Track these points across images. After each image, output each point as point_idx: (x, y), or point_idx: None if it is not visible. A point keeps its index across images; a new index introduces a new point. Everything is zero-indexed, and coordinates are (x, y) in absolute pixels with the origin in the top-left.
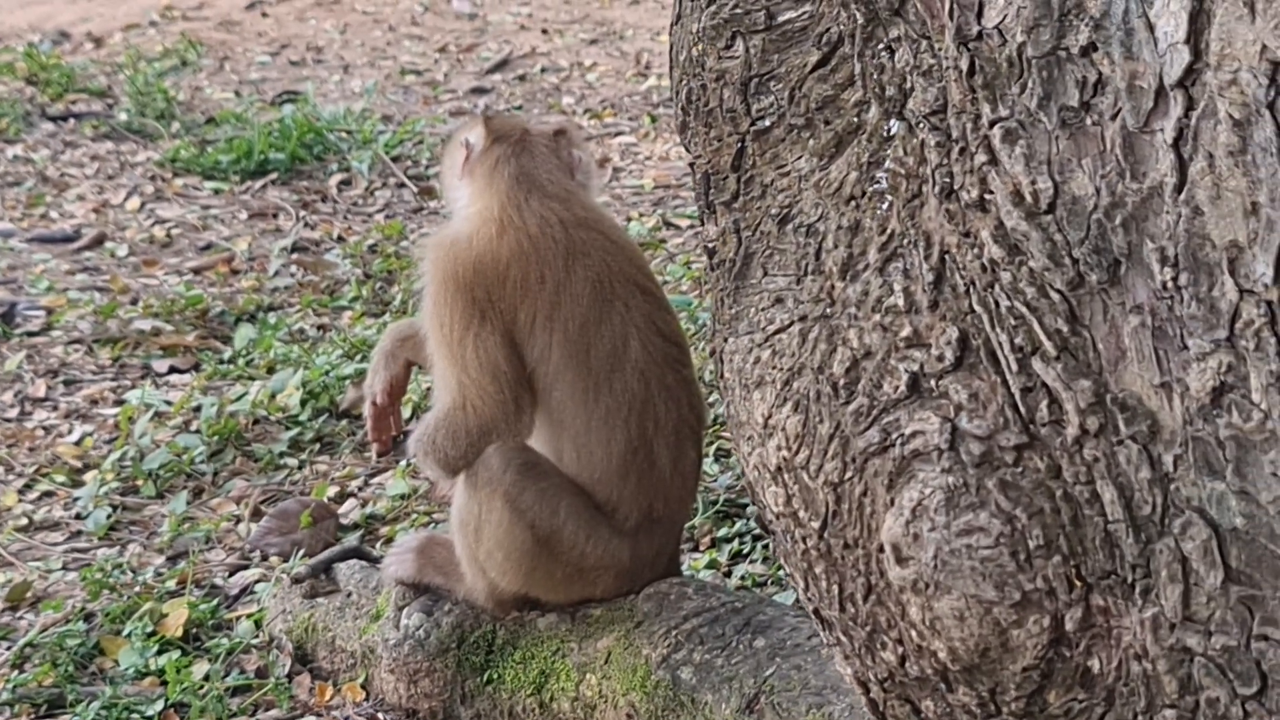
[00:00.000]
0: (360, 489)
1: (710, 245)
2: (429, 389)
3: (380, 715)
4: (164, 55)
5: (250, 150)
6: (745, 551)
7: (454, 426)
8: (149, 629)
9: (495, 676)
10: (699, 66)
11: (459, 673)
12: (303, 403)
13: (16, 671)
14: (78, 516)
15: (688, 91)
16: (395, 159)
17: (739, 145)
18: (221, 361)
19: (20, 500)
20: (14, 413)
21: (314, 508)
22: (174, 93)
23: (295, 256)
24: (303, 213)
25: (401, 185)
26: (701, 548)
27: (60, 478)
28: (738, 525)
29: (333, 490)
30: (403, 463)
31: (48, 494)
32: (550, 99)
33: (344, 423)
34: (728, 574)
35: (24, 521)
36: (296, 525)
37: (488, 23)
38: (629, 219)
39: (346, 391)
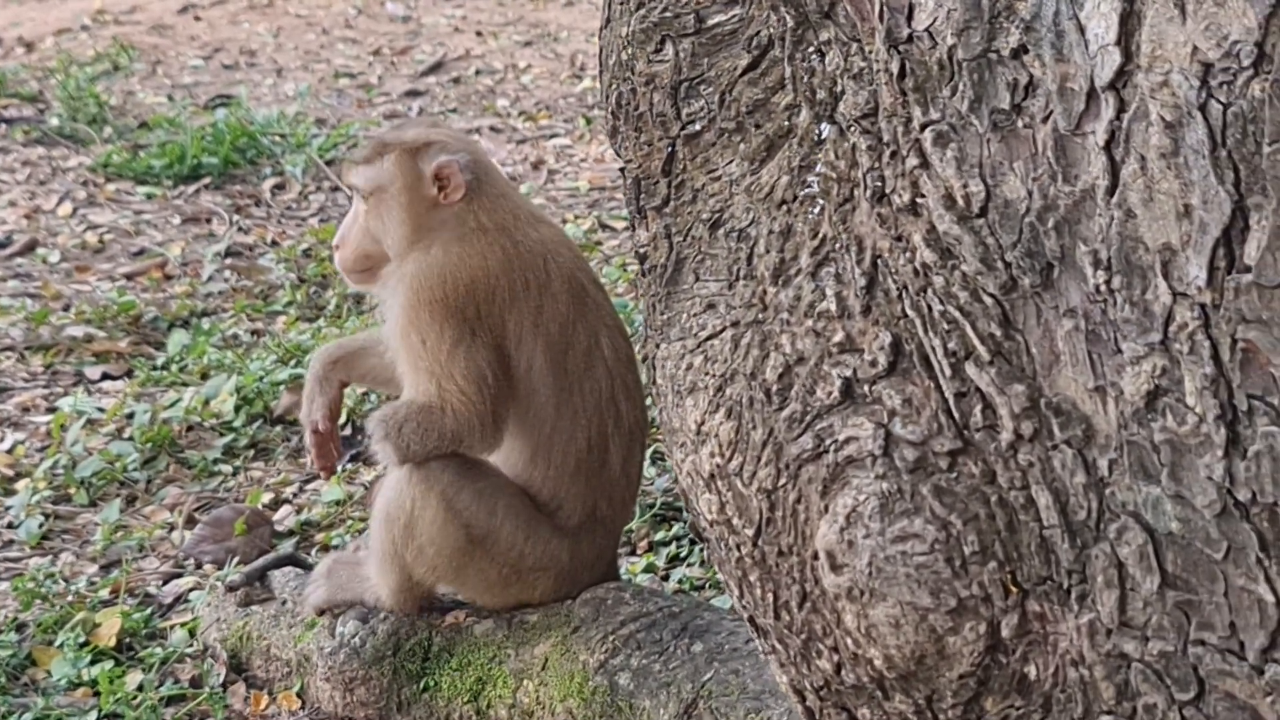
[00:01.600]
0: (295, 495)
1: (641, 250)
2: (364, 393)
3: None
4: (96, 60)
5: (183, 155)
6: (683, 555)
7: (427, 424)
8: (81, 639)
9: (431, 684)
10: (628, 70)
11: (395, 680)
12: (237, 409)
13: None
14: (9, 525)
15: (618, 95)
16: (329, 162)
17: (669, 149)
18: (155, 368)
19: None
20: None
21: (248, 515)
22: (106, 97)
23: (229, 261)
24: (236, 217)
25: (335, 189)
26: (639, 551)
27: None
28: (675, 529)
29: (267, 497)
30: (338, 468)
31: None
32: (485, 101)
33: (278, 429)
34: (665, 578)
35: None
36: (231, 532)
37: (421, 25)
38: (565, 221)
39: (281, 397)
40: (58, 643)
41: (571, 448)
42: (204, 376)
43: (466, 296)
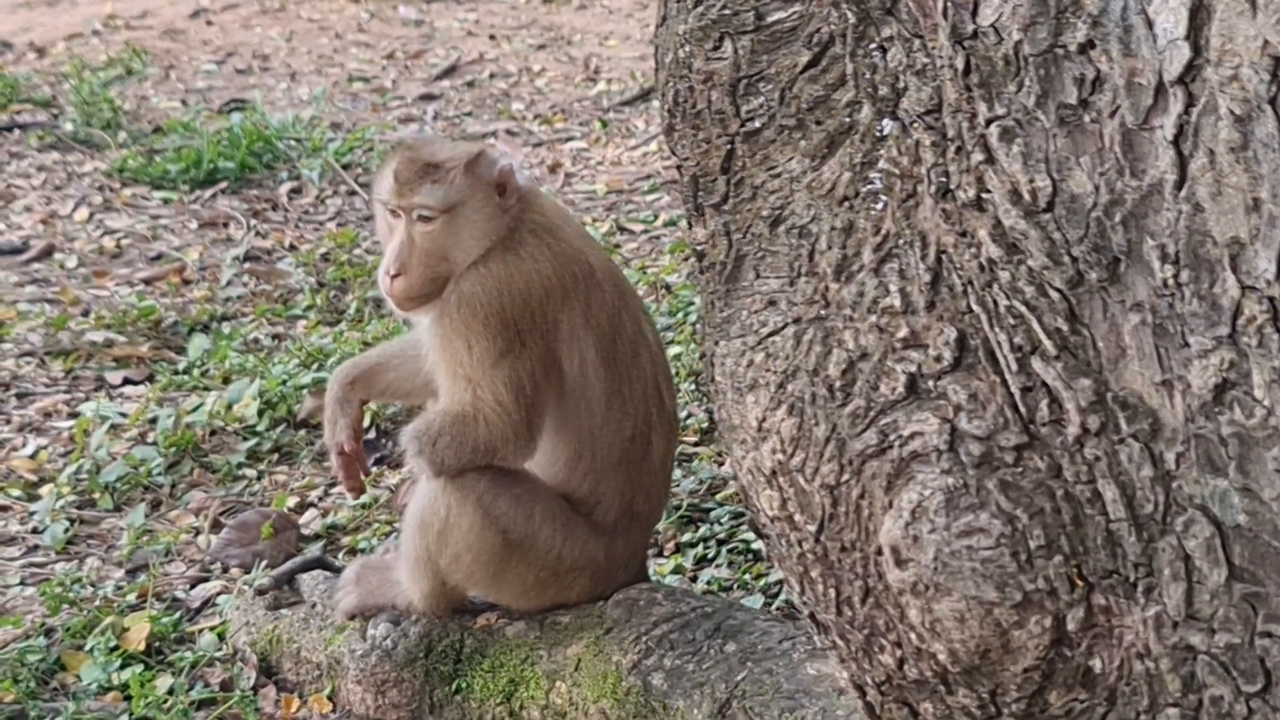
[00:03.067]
0: (320, 499)
1: (699, 248)
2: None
3: None
4: (109, 65)
5: (199, 159)
6: (710, 556)
7: (461, 436)
8: (111, 643)
9: (464, 686)
10: (686, 68)
11: (427, 682)
12: (260, 413)
13: None
14: (34, 531)
15: (674, 94)
16: (345, 166)
17: (728, 147)
18: (176, 372)
19: None
20: None
21: (275, 518)
22: (120, 102)
23: (247, 266)
24: (254, 221)
25: (352, 193)
26: (666, 553)
27: (15, 492)
28: (702, 530)
29: (292, 500)
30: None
31: (2, 508)
32: (500, 105)
33: (302, 432)
34: (694, 579)
35: None
36: (257, 536)
37: (435, 29)
38: (583, 224)
39: (304, 401)
40: (87, 647)
41: (618, 439)
42: (226, 381)
43: (523, 306)
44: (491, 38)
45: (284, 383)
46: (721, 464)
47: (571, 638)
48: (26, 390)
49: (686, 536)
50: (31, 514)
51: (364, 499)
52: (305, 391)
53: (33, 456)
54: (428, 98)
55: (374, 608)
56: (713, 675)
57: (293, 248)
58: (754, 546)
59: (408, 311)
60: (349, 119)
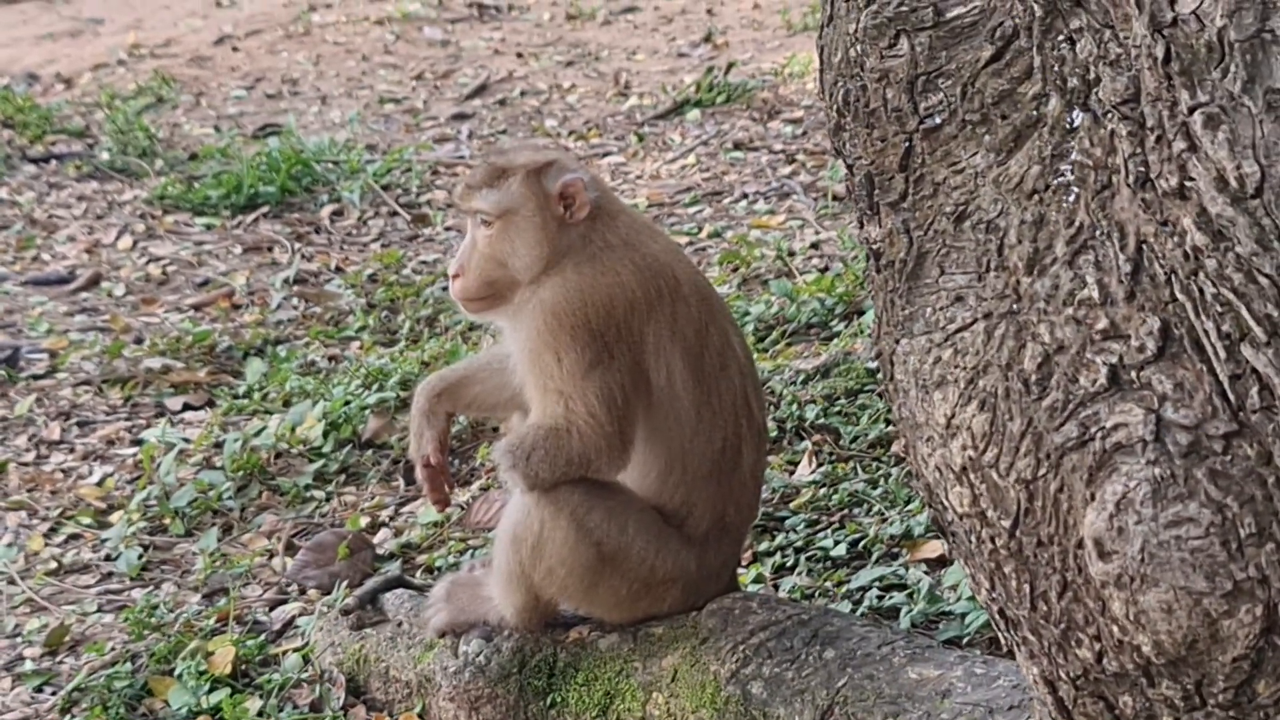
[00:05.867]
0: (391, 518)
1: (875, 246)
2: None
3: None
4: (138, 93)
5: (239, 184)
6: (790, 565)
7: (554, 449)
8: (199, 668)
9: (559, 700)
10: (858, 67)
11: (521, 697)
12: (325, 434)
13: (66, 716)
14: (107, 558)
15: (844, 93)
16: (385, 187)
17: (906, 144)
18: (236, 396)
19: (47, 544)
20: (30, 456)
21: (350, 539)
22: (154, 130)
23: (296, 289)
24: (298, 245)
25: (394, 213)
26: (744, 563)
27: (85, 519)
28: (779, 539)
29: (364, 520)
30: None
31: (74, 536)
32: (533, 122)
33: (368, 453)
34: (775, 588)
35: (53, 565)
36: (334, 557)
37: (461, 49)
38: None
39: (369, 421)
40: (176, 672)
41: (708, 451)
42: (286, 404)
43: (607, 318)
44: (519, 55)
45: (347, 404)
46: (792, 473)
47: (666, 649)
48: (87, 419)
49: (764, 546)
50: (103, 541)
51: (435, 516)
52: (368, 412)
53: (100, 484)
54: (461, 117)
55: (465, 624)
56: (813, 682)
57: (339, 270)
58: (833, 554)
59: (472, 313)
60: (384, 140)
